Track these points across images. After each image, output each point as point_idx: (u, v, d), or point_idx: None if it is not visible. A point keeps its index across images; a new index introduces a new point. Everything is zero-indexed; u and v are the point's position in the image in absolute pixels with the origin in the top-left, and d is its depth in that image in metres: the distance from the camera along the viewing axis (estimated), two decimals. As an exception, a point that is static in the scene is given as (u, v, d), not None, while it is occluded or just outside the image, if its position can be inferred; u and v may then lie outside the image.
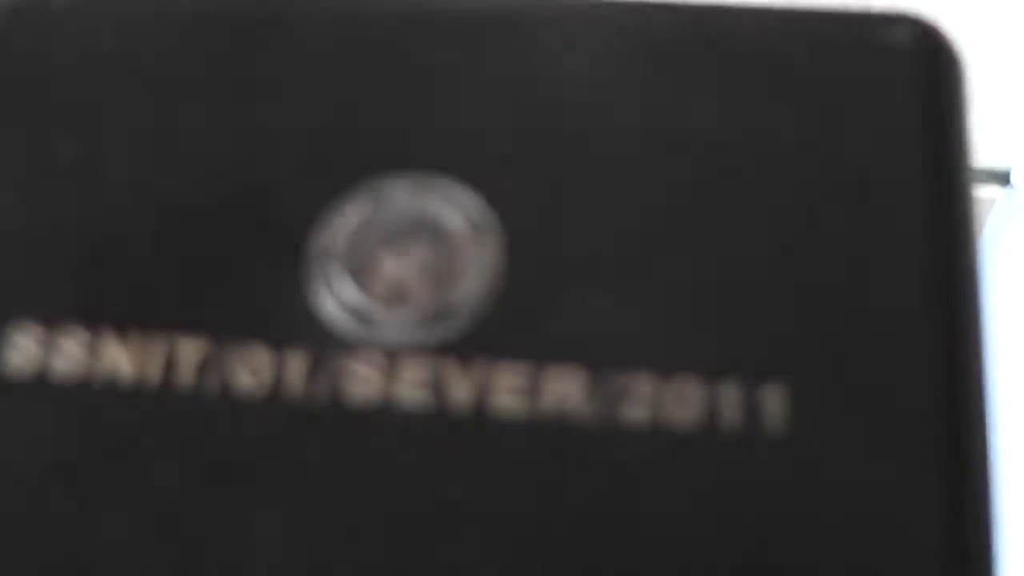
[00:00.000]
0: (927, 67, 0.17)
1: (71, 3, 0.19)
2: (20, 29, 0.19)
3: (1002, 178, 0.73)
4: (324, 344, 0.16)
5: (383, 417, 0.15)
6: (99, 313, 0.16)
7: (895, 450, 0.15)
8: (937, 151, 0.17)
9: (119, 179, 0.17)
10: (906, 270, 0.16)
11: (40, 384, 0.16)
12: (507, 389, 0.16)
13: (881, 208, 0.17)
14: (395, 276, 0.16)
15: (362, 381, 0.16)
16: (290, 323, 0.16)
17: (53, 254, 0.17)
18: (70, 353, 0.16)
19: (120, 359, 0.16)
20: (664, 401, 0.15)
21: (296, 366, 0.16)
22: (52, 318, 0.16)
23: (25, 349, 0.16)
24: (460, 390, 0.16)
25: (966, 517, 0.15)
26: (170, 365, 0.16)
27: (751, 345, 0.16)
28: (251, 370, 0.16)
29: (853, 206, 0.16)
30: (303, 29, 0.18)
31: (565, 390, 0.16)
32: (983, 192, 0.70)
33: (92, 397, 0.16)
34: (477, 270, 0.16)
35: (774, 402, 0.15)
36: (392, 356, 0.16)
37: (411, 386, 0.16)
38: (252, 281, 0.16)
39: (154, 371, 0.16)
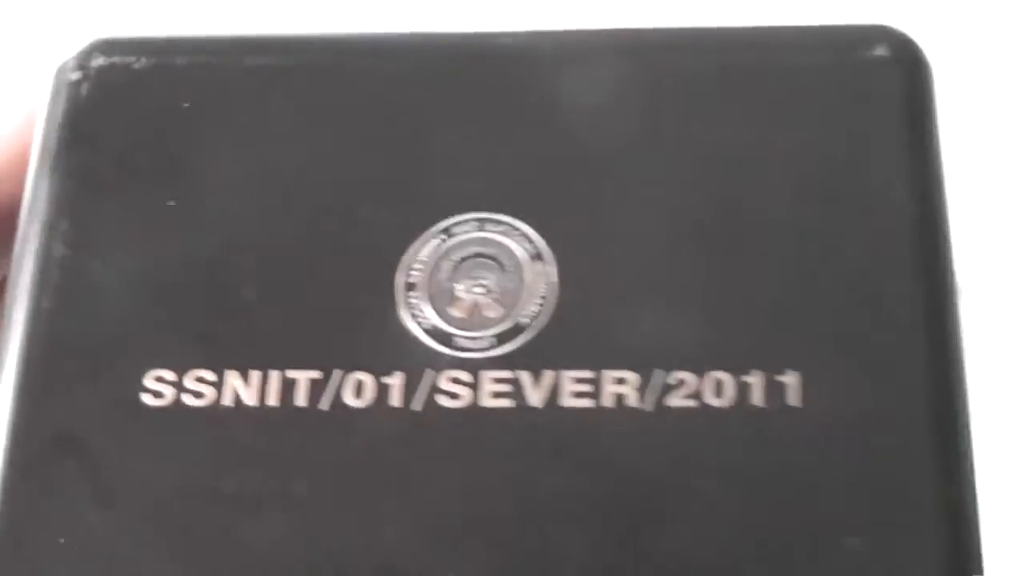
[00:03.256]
0: (906, 76, 0.21)
1: (150, 61, 0.21)
2: (105, 92, 0.21)
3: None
4: (415, 364, 0.19)
5: (472, 421, 0.19)
6: (221, 358, 0.19)
7: (892, 419, 0.19)
8: (916, 150, 0.20)
9: (218, 231, 0.20)
10: (898, 269, 0.19)
11: (179, 417, 0.19)
12: (572, 392, 0.19)
13: (871, 207, 0.20)
14: (470, 302, 0.19)
15: (451, 395, 0.19)
16: (384, 348, 0.19)
17: (175, 307, 0.19)
18: (199, 392, 0.19)
19: (243, 393, 0.19)
20: (702, 390, 0.19)
21: (394, 385, 0.19)
22: (179, 364, 0.19)
23: (161, 392, 0.19)
24: (533, 395, 0.19)
25: (955, 474, 0.18)
26: (285, 394, 0.19)
27: (771, 342, 0.19)
28: (356, 391, 0.19)
29: (846, 207, 0.20)
30: (370, 77, 0.21)
31: (620, 389, 0.19)
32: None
33: (224, 424, 0.19)
34: (538, 292, 0.19)
35: (791, 385, 0.19)
36: (474, 371, 0.19)
37: (493, 395, 0.19)
38: (349, 314, 0.19)
39: (272, 400, 0.19)
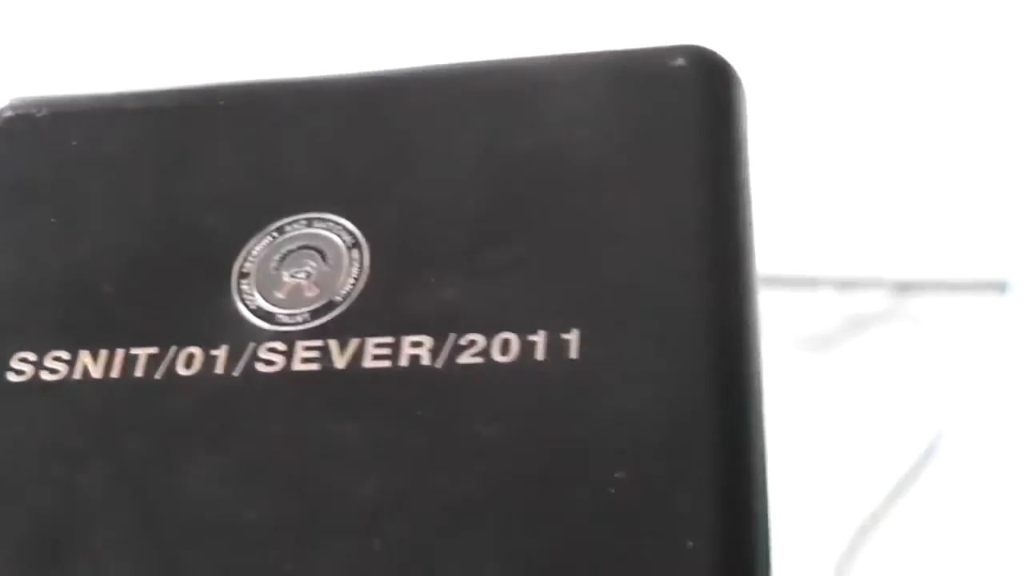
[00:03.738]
0: (705, 81, 0.23)
1: (50, 110, 0.25)
2: (11, 136, 0.25)
3: (998, 287, 0.77)
4: (240, 338, 0.21)
5: (284, 383, 0.21)
6: (76, 340, 0.22)
7: (665, 372, 0.20)
8: (716, 144, 0.22)
9: (88, 239, 0.23)
10: (682, 246, 0.21)
11: (34, 390, 0.22)
12: (373, 355, 0.21)
13: (660, 193, 0.22)
14: (292, 285, 0.22)
15: (268, 361, 0.21)
16: (215, 326, 0.22)
17: (40, 300, 0.22)
18: (55, 368, 0.22)
19: (92, 368, 0.22)
20: (491, 349, 0.20)
21: (220, 356, 0.21)
22: (41, 346, 0.22)
23: (22, 370, 0.22)
24: (339, 360, 0.21)
25: (730, 427, 0.20)
26: (127, 367, 0.21)
27: (555, 305, 0.21)
28: (187, 362, 0.21)
29: (632, 194, 0.22)
30: (227, 115, 0.24)
31: (415, 351, 0.21)
32: (979, 300, 0.74)
33: (72, 394, 0.21)
34: (351, 274, 0.22)
35: (572, 341, 0.20)
36: (289, 341, 0.21)
37: (303, 361, 0.21)
38: (189, 301, 0.22)
39: (115, 372, 0.21)
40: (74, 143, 0.24)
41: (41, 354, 0.22)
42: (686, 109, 0.22)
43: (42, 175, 0.24)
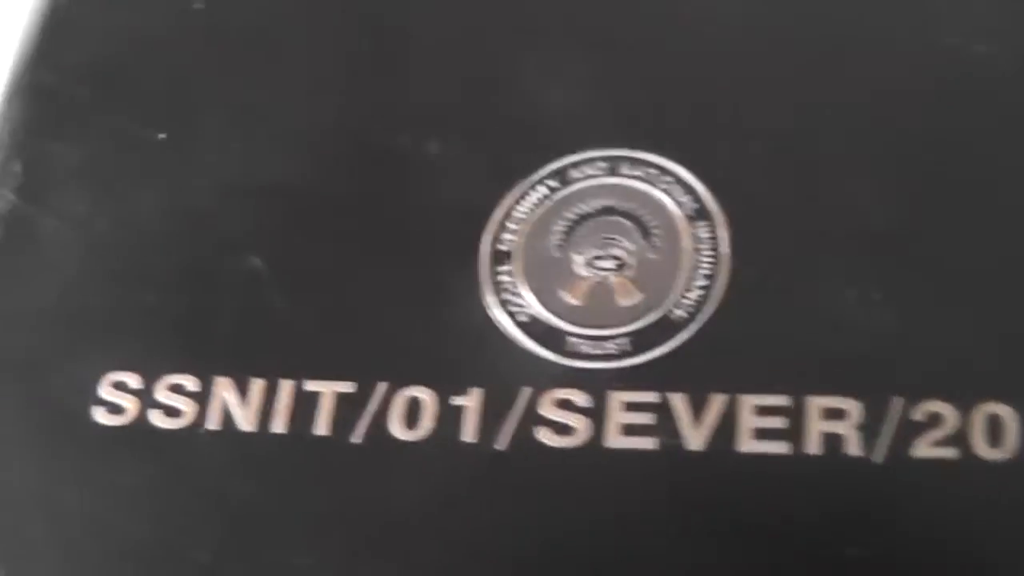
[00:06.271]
0: None
1: None
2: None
3: None
4: (502, 376, 0.12)
5: (590, 469, 0.12)
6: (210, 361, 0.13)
7: None
8: None
9: (230, 175, 0.14)
10: None
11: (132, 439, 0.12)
12: (754, 429, 0.11)
13: None
14: (592, 283, 0.12)
15: (558, 427, 0.12)
16: (456, 353, 0.12)
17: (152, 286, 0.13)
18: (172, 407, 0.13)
19: (236, 411, 0.12)
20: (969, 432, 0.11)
21: (467, 407, 0.12)
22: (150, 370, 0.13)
23: (118, 406, 0.13)
24: (692, 432, 0.12)
25: None
26: (299, 416, 0.12)
27: None
28: (406, 414, 0.12)
29: None
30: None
31: (835, 426, 0.11)
32: None
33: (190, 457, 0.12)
34: (699, 270, 0.12)
35: None
36: (596, 390, 0.12)
37: (623, 431, 0.12)
38: (403, 300, 0.13)
39: (278, 424, 0.12)
40: (198, 5, 0.14)
41: (150, 380, 0.13)
42: None
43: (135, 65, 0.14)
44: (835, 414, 0.12)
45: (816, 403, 0.12)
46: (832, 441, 0.12)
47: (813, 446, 0.12)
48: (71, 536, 0.13)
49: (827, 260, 0.12)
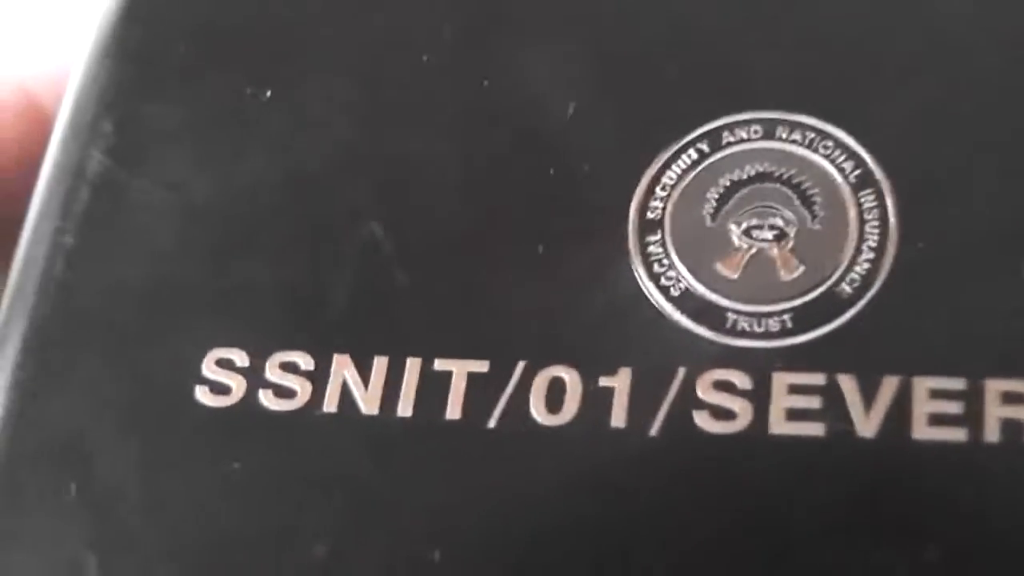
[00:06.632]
0: None
1: None
2: None
3: None
4: (654, 355, 0.11)
5: (752, 458, 0.11)
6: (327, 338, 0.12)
7: None
8: None
9: (344, 139, 0.13)
10: None
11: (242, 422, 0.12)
12: (931, 415, 0.11)
13: None
14: (750, 255, 0.11)
15: (716, 410, 0.11)
16: (603, 329, 0.11)
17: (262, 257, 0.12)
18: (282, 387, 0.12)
19: (357, 391, 0.12)
20: None
21: (615, 389, 0.11)
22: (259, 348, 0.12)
23: (224, 384, 0.12)
24: (862, 419, 0.11)
25: None
26: (428, 397, 0.11)
27: None
28: (546, 396, 0.11)
29: None
30: None
31: (1018, 412, 0.10)
32: None
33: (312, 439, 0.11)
34: (865, 242, 0.11)
35: None
36: (758, 370, 0.11)
37: (788, 416, 0.11)
38: (546, 272, 0.12)
39: (404, 408, 0.11)
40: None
41: (259, 358, 0.12)
42: None
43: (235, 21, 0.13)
44: (1016, 399, 0.11)
45: (995, 387, 0.11)
46: (1012, 428, 0.11)
47: (992, 433, 0.11)
48: (170, 526, 0.12)
49: (1004, 232, 0.11)
